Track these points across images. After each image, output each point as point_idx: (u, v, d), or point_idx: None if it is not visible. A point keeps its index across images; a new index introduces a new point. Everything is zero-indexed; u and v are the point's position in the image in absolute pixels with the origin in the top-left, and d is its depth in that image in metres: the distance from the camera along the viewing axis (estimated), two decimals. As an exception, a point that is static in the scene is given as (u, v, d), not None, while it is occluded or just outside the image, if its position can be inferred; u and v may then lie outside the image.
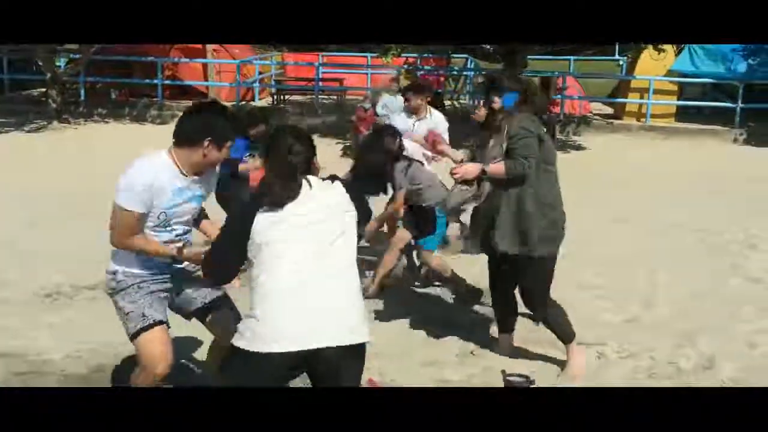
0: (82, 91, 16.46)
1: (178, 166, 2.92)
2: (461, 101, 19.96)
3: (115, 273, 3.07)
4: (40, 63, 16.97)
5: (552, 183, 3.74)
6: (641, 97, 16.49)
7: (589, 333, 4.56)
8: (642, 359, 4.22)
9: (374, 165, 4.49)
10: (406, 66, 18.18)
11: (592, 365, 4.12)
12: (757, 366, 4.15)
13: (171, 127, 3.01)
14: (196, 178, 2.99)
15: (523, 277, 3.80)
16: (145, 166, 2.90)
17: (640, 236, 7.25)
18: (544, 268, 3.73)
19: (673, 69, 16.39)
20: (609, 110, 18.12)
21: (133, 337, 2.97)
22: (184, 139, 2.92)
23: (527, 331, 4.39)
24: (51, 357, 4.06)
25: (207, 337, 3.49)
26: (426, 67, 19.78)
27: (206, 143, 2.89)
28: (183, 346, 3.88)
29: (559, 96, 17.19)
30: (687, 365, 4.14)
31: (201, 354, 3.84)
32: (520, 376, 3.52)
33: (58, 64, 15.99)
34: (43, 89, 16.35)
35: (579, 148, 14.91)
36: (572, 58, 18.88)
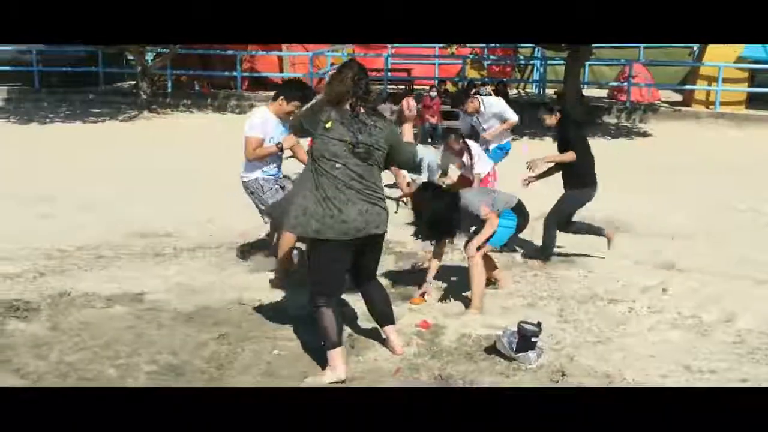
0: (169, 83, 17.68)
1: (273, 114, 5.18)
2: (528, 90, 20.22)
3: (256, 179, 5.23)
4: (131, 58, 18.33)
5: None
6: (710, 84, 16.38)
7: (626, 293, 5.10)
8: (668, 313, 4.71)
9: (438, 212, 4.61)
10: (472, 56, 18.59)
11: (622, 317, 4.65)
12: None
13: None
14: (281, 120, 5.18)
15: None
16: (259, 114, 5.22)
17: (695, 216, 7.56)
18: None
19: (743, 56, 16.20)
20: (678, 97, 18.03)
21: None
22: (273, 98, 5.29)
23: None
24: (164, 297, 4.90)
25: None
26: (492, 57, 20.12)
27: (280, 100, 5.19)
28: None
29: (625, 83, 17.26)
30: (709, 318, 4.60)
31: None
32: (531, 324, 4.00)
33: (147, 58, 17.22)
34: (134, 82, 17.67)
35: (644, 135, 15.02)
36: (642, 45, 18.80)
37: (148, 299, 4.88)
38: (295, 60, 18.17)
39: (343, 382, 3.60)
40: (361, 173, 3.62)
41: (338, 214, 3.55)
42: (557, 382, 3.70)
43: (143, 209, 7.46)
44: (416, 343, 4.16)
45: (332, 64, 18.68)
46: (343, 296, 4.26)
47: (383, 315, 4.00)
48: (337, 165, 3.58)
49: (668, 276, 5.49)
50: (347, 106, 3.62)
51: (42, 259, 5.76)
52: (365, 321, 4.34)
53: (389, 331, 4.00)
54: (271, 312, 4.60)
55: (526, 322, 3.95)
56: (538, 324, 3.96)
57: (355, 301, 4.39)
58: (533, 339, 3.89)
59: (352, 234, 3.58)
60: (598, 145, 13.42)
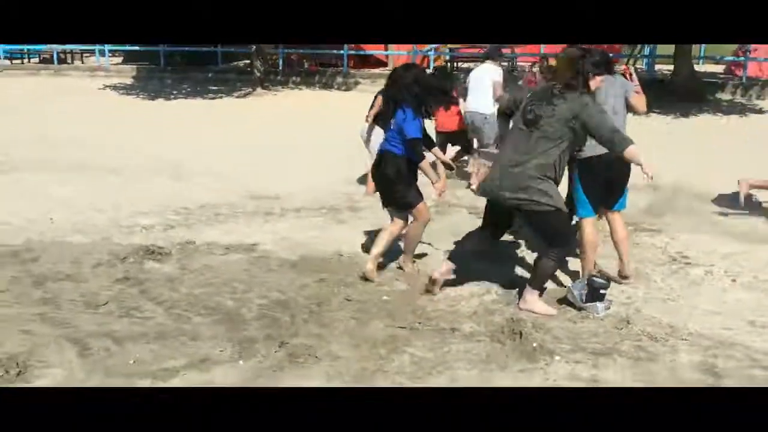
0: (281, 62, 18.66)
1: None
2: (637, 66, 19.70)
3: None
4: (247, 37, 19.43)
5: None
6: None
7: (707, 258, 5.26)
8: (744, 277, 4.85)
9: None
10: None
11: (696, 279, 4.85)
12: None
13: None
14: None
15: None
16: None
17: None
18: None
19: None
20: (802, 73, 17.02)
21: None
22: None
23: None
24: (272, 248, 5.57)
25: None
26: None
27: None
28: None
29: (742, 58, 16.51)
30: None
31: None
32: (601, 277, 4.30)
33: (261, 38, 18.21)
34: (248, 61, 18.78)
35: (760, 111, 14.39)
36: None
37: (259, 249, 5.55)
38: (400, 38, 18.66)
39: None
40: None
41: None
42: (621, 329, 4.01)
43: (255, 176, 8.23)
44: (494, 291, 4.58)
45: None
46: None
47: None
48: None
49: (752, 247, 5.57)
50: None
51: (171, 214, 6.60)
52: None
53: None
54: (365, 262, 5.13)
55: (596, 276, 4.26)
56: (607, 278, 4.26)
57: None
58: (602, 291, 4.21)
59: None
60: (704, 120, 13.12)
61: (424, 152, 4.77)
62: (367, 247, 5.51)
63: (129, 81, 18.76)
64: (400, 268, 5.02)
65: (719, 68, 18.15)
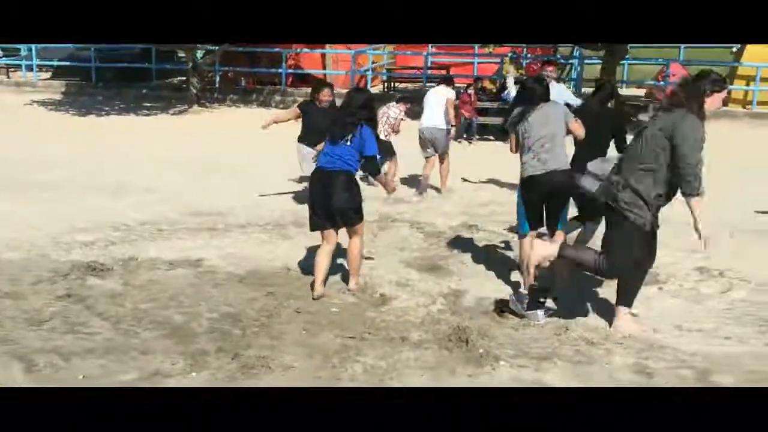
0: (217, 79, 18.54)
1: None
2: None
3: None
4: (182, 54, 19.25)
5: None
6: (747, 84, 16.49)
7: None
8: (671, 285, 5.20)
9: None
10: (511, 54, 19.00)
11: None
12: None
13: None
14: None
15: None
16: None
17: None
18: None
19: (782, 55, 16.26)
20: (716, 97, 18.11)
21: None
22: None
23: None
24: (218, 263, 5.56)
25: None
26: (530, 56, 20.48)
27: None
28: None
29: (662, 83, 17.48)
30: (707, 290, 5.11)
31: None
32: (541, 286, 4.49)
33: (197, 55, 18.09)
34: (184, 78, 18.57)
35: (678, 133, 15.24)
36: (682, 45, 18.91)
37: (205, 264, 5.54)
38: (338, 57, 18.85)
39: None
40: None
41: None
42: (560, 335, 4.23)
43: (195, 193, 8.18)
44: (440, 302, 4.73)
45: (373, 62, 19.35)
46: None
47: None
48: None
49: (675, 256, 5.93)
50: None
51: (110, 231, 6.49)
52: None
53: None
54: (311, 276, 5.20)
55: (536, 285, 4.47)
56: (547, 288, 4.48)
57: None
58: (541, 300, 4.42)
59: None
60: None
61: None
62: (312, 262, 5.57)
63: (58, 96, 18.25)
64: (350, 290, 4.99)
65: (641, 92, 19.13)
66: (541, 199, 4.77)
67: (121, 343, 4.01)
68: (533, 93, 4.83)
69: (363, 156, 4.79)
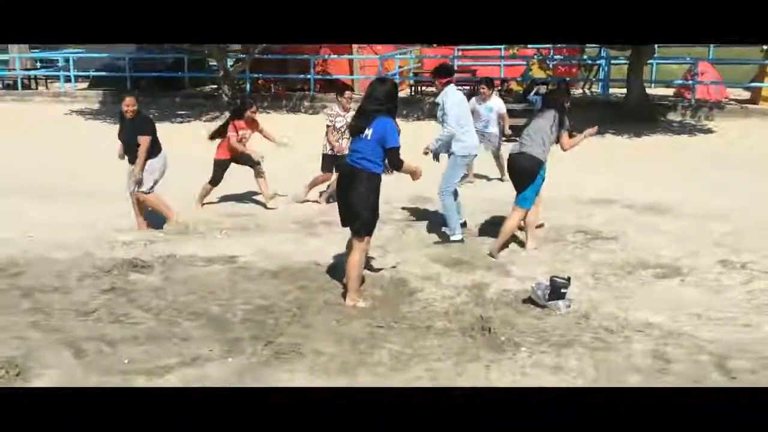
0: (248, 86, 18.93)
1: None
2: (593, 90, 20.48)
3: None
4: (213, 63, 19.69)
5: None
6: (779, 82, 16.34)
7: (658, 262, 5.68)
8: (692, 277, 5.29)
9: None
10: (537, 56, 19.07)
11: (650, 279, 5.26)
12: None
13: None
14: None
15: None
16: None
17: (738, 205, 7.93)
18: None
19: (813, 52, 16.08)
20: (747, 95, 17.96)
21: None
22: None
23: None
24: (252, 259, 5.81)
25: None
26: (558, 57, 20.50)
27: None
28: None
29: (691, 82, 17.38)
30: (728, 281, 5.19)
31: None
32: (562, 278, 4.65)
33: (227, 63, 18.50)
34: (215, 86, 18.99)
35: (708, 131, 15.16)
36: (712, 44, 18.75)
37: (240, 260, 5.80)
38: (365, 63, 19.13)
39: None
40: None
41: None
42: (581, 324, 4.37)
43: (229, 195, 8.47)
44: (464, 294, 4.91)
45: (400, 67, 19.57)
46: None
47: None
48: None
49: (698, 249, 6.01)
50: None
51: (150, 231, 6.79)
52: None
53: None
54: (342, 271, 5.40)
55: (557, 276, 4.62)
56: (568, 278, 4.63)
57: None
58: (563, 290, 4.57)
59: None
60: (656, 140, 13.79)
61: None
62: (341, 258, 5.78)
63: (95, 106, 18.81)
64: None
65: (670, 91, 19.02)
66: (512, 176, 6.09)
67: (163, 332, 4.27)
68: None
69: (384, 149, 4.62)
